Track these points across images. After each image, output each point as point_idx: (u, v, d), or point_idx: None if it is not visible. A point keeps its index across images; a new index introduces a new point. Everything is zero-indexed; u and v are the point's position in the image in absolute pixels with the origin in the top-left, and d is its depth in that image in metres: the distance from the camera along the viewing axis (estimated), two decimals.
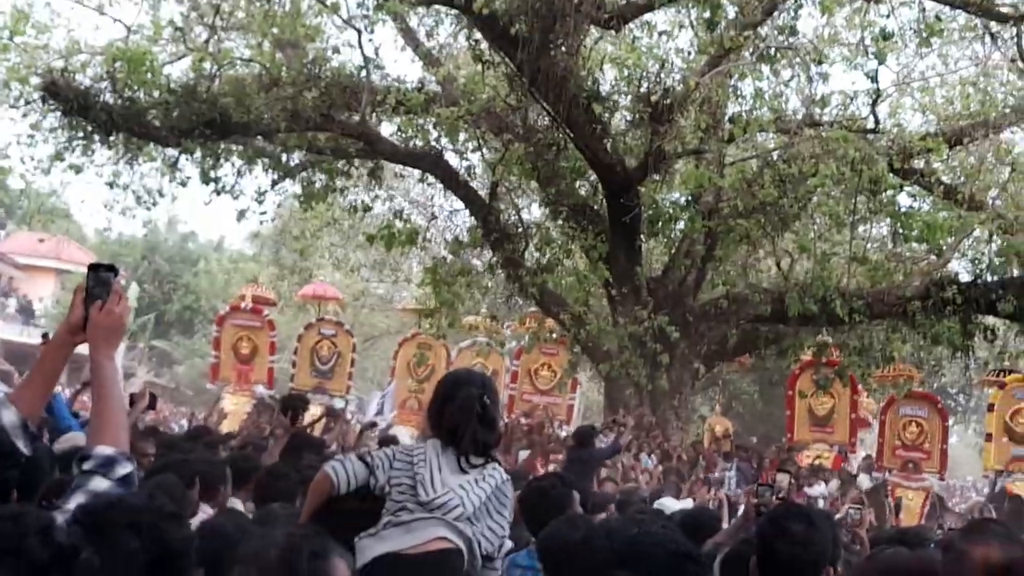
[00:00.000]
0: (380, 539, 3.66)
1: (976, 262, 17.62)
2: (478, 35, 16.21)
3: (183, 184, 17.68)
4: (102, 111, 16.08)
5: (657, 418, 17.63)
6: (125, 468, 2.54)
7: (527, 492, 4.83)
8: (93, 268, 2.95)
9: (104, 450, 2.58)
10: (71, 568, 1.85)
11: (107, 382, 2.77)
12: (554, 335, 19.26)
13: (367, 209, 19.37)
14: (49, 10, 18.11)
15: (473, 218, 18.79)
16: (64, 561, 1.83)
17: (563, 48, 15.19)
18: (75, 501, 2.27)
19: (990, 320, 17.42)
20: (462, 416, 3.90)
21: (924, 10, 16.40)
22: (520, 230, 18.31)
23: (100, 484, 2.47)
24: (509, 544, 4.24)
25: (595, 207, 17.74)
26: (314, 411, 15.30)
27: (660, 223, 18.18)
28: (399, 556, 3.59)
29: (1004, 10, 15.94)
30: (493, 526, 3.88)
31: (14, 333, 39.16)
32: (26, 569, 1.77)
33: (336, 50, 17.35)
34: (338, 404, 18.84)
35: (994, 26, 16.34)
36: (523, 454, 15.25)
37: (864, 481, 17.22)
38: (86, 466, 2.51)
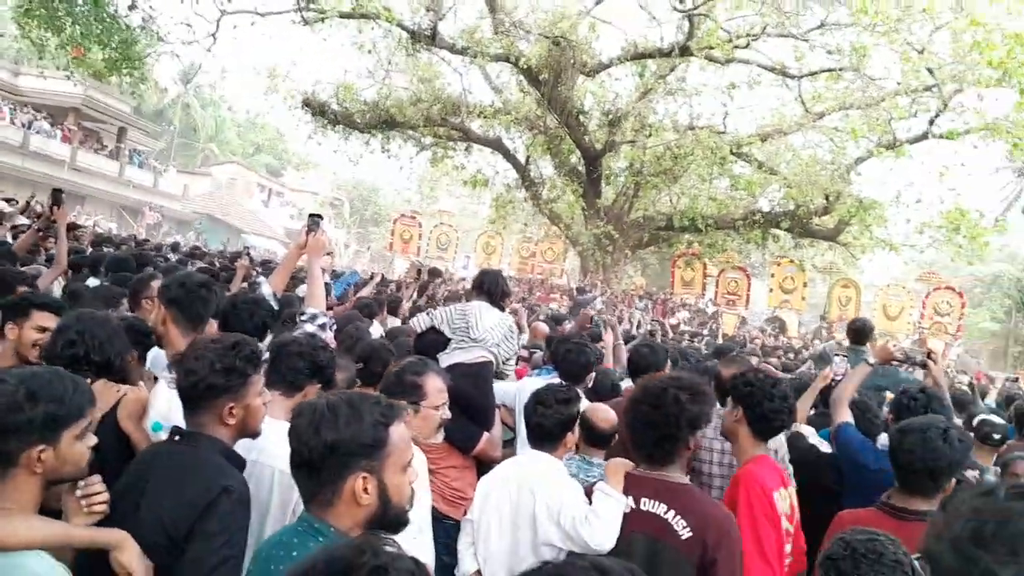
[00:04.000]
0: (450, 355, 3.73)
1: (771, 201, 19.50)
2: (522, 77, 17.82)
3: (372, 152, 19.23)
4: (332, 114, 18.22)
5: (605, 278, 18.90)
6: (322, 319, 3.04)
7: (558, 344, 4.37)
8: (312, 215, 3.26)
9: (311, 310, 3.04)
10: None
11: (315, 275, 3.14)
12: (556, 234, 20.73)
13: (463, 168, 20.50)
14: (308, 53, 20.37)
15: (516, 173, 20.15)
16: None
17: (565, 85, 16.91)
18: (298, 331, 2.89)
19: (776, 232, 19.53)
20: (495, 290, 4.03)
21: (750, 69, 17.72)
22: (540, 179, 20.17)
23: (309, 327, 2.97)
24: (516, 352, 4.44)
25: (579, 169, 19.05)
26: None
27: (611, 178, 19.80)
28: (461, 364, 3.67)
29: (791, 72, 17.31)
30: (508, 347, 3.99)
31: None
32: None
33: (448, 84, 18.68)
34: (450, 267, 19.82)
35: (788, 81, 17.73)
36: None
37: (709, 309, 19.78)
38: (303, 318, 3.04)
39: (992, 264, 35.16)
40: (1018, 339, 31.90)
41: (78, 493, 1.78)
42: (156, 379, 2.97)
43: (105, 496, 1.83)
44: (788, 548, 2.58)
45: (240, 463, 2.02)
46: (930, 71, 14.92)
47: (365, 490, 1.54)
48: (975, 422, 4.77)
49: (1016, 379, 12.71)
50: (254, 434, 2.07)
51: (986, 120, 15.02)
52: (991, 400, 5.88)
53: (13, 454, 1.61)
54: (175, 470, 1.90)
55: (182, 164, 42.78)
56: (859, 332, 5.50)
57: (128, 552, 1.73)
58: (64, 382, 1.71)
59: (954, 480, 2.47)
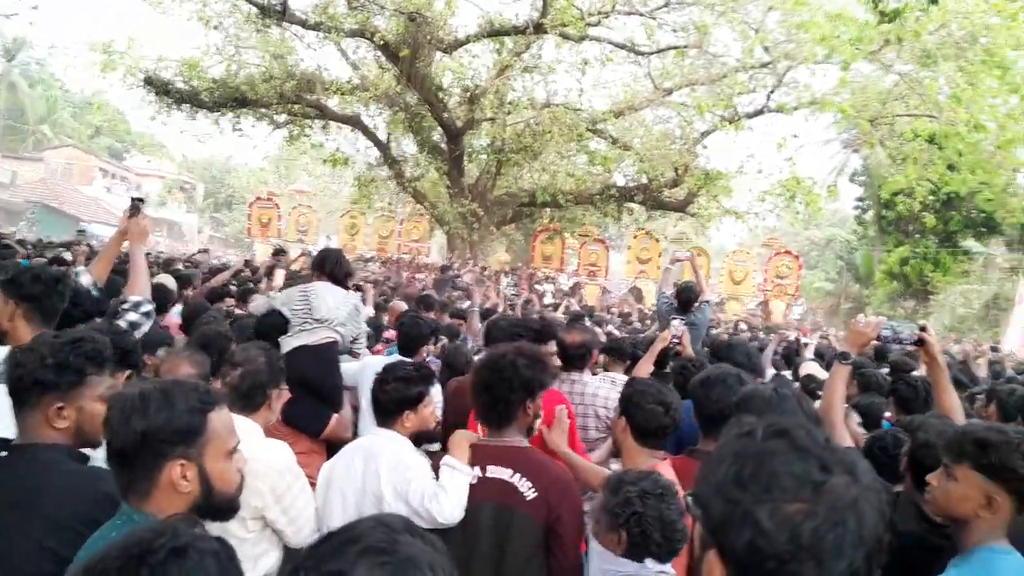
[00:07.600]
0: (296, 337, 3.70)
1: (625, 176, 19.94)
2: (379, 53, 17.47)
3: (221, 132, 18.20)
4: (176, 93, 17.22)
5: (473, 255, 18.91)
6: (147, 307, 2.93)
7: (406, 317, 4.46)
8: (133, 199, 3.17)
9: (135, 297, 2.93)
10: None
11: (138, 260, 3.02)
12: (421, 212, 20.82)
13: (321, 146, 19.62)
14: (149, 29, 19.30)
15: (378, 151, 19.77)
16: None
17: (424, 62, 16.68)
18: (122, 321, 2.85)
19: (630, 205, 20.06)
20: (337, 270, 4.00)
21: (603, 47, 17.99)
22: (403, 158, 19.84)
23: (132, 316, 2.88)
24: (365, 330, 4.41)
25: (442, 146, 18.68)
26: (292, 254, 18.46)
27: (473, 155, 19.87)
28: (307, 346, 3.66)
29: (641, 49, 17.88)
30: (355, 325, 4.01)
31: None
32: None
33: (302, 60, 17.88)
34: (311, 249, 18.70)
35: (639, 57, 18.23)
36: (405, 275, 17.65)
37: (569, 281, 20.09)
38: (125, 306, 2.91)
39: (825, 228, 38.09)
40: (848, 296, 34.77)
41: None
42: None
43: None
44: None
45: (86, 462, 1.89)
46: (765, 49, 15.87)
47: (184, 477, 1.52)
48: (801, 375, 5.27)
49: (826, 337, 13.84)
50: (94, 443, 1.88)
51: (814, 95, 16.06)
52: (810, 352, 6.52)
53: None
54: (28, 492, 1.71)
55: (9, 149, 38.97)
56: (685, 301, 5.69)
57: None
58: None
59: None
